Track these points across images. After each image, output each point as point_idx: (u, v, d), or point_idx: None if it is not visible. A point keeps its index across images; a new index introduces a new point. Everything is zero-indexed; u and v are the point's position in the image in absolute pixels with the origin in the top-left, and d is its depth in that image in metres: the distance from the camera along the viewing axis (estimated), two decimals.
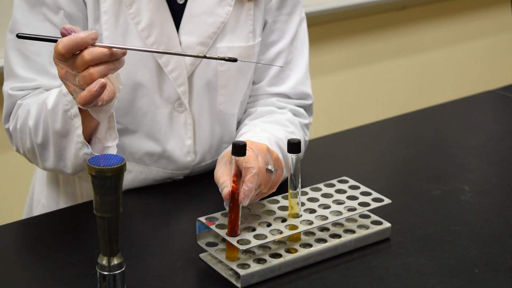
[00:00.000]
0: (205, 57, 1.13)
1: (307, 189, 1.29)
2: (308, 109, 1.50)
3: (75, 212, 1.37)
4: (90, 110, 1.17)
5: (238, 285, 1.13)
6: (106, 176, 1.00)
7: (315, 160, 1.55)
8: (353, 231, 1.24)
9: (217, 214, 1.20)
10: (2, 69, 2.05)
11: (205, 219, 1.19)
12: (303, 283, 1.15)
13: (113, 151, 1.24)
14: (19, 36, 1.12)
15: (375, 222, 1.26)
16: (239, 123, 1.49)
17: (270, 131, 1.37)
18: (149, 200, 1.39)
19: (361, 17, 2.96)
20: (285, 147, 1.37)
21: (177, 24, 1.35)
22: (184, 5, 1.35)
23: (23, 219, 1.48)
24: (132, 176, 1.41)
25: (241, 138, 1.36)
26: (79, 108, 1.20)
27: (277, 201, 1.25)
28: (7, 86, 1.34)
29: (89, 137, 1.25)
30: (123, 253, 1.07)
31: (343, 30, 2.93)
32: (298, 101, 1.48)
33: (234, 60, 1.12)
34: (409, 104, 2.96)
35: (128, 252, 1.17)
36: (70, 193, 1.46)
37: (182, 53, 1.19)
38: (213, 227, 1.17)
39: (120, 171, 1.01)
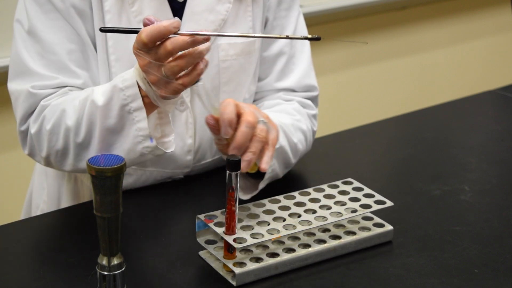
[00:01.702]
0: (287, 37, 1.13)
1: (309, 190, 1.28)
2: (314, 100, 1.52)
3: (75, 212, 1.37)
4: (160, 101, 1.18)
5: (234, 283, 1.13)
6: (106, 176, 1.00)
7: (315, 160, 1.55)
8: (354, 233, 1.24)
9: (217, 212, 1.20)
10: (4, 68, 2.06)
11: (204, 216, 1.19)
12: (303, 282, 1.15)
13: (171, 146, 1.25)
14: (102, 30, 1.14)
15: (377, 225, 1.26)
16: None
17: (275, 117, 1.38)
18: (149, 200, 1.39)
19: (361, 17, 2.96)
20: (290, 132, 1.38)
21: None
22: (184, 3, 1.35)
23: (23, 219, 1.48)
24: (133, 179, 1.41)
25: None
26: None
27: (278, 201, 1.25)
28: (26, 85, 1.29)
29: None
30: (123, 253, 1.07)
31: (343, 30, 2.93)
32: (304, 93, 1.50)
33: (318, 38, 1.11)
34: (409, 104, 2.96)
35: (128, 252, 1.17)
36: (72, 196, 1.45)
37: (263, 35, 1.19)
38: (211, 224, 1.17)
39: (120, 171, 1.01)
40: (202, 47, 1.11)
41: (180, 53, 1.11)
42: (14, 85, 1.32)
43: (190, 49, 1.10)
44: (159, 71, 1.12)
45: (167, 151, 1.25)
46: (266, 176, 1.32)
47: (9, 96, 1.35)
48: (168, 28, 1.08)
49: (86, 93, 1.27)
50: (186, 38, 1.08)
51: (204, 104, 1.17)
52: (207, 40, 1.10)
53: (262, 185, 1.32)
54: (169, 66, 1.11)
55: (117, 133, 1.23)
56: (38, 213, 1.50)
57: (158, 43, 1.10)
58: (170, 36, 1.10)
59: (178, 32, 1.09)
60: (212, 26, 1.36)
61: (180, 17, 1.35)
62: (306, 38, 1.11)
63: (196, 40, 1.09)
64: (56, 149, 1.29)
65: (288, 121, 1.39)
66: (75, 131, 1.25)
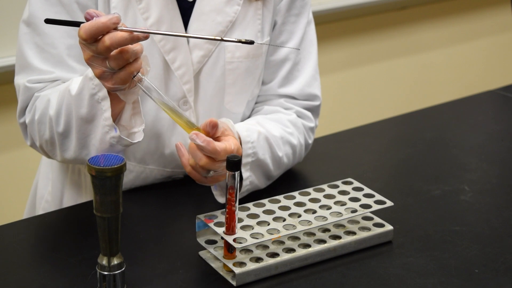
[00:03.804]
0: (222, 39, 1.13)
1: (309, 190, 1.29)
2: (315, 110, 1.50)
3: (75, 212, 1.37)
4: (119, 92, 1.17)
5: (234, 283, 1.13)
6: (106, 176, 1.00)
7: (315, 160, 1.55)
8: (354, 233, 1.24)
9: (217, 212, 1.20)
10: (4, 68, 2.06)
11: (204, 216, 1.19)
12: (303, 282, 1.15)
13: (140, 136, 1.25)
14: (46, 21, 1.14)
15: (377, 225, 1.26)
16: None
17: (265, 126, 1.37)
18: (149, 200, 1.39)
19: (361, 17, 2.96)
20: (276, 145, 1.37)
21: (185, 22, 1.35)
22: (193, 3, 1.35)
23: (23, 219, 1.48)
24: (133, 176, 1.41)
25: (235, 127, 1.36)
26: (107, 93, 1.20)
27: (278, 201, 1.25)
28: (23, 79, 1.32)
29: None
30: (123, 253, 1.07)
31: (343, 30, 2.93)
32: (305, 102, 1.48)
33: (251, 42, 1.12)
34: (409, 104, 2.96)
35: (128, 252, 1.17)
36: (75, 187, 1.46)
37: (202, 36, 1.18)
38: (211, 224, 1.17)
39: (120, 171, 1.01)
40: (134, 47, 1.11)
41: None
42: (16, 79, 1.35)
43: (128, 46, 1.10)
44: (103, 64, 1.12)
45: (133, 142, 1.25)
46: (244, 189, 1.34)
47: (9, 96, 1.36)
48: (106, 24, 1.08)
49: (67, 83, 1.28)
50: (125, 34, 1.08)
51: (154, 100, 1.16)
52: (146, 37, 1.10)
53: (240, 196, 1.33)
54: (113, 58, 1.10)
55: (90, 122, 1.23)
56: (43, 203, 1.51)
57: (100, 37, 1.09)
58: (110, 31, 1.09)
59: (118, 27, 1.08)
60: (219, 27, 1.36)
61: (189, 17, 1.35)
62: (239, 41, 1.11)
63: (135, 36, 1.09)
64: (45, 138, 1.30)
65: (278, 133, 1.39)
66: (56, 120, 1.27)
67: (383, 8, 3.02)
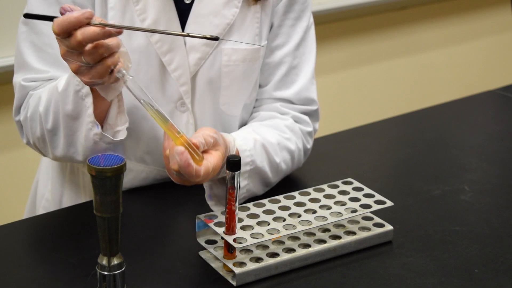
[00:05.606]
0: (188, 35, 1.12)
1: (309, 190, 1.29)
2: (313, 115, 1.48)
3: (75, 212, 1.37)
4: (99, 88, 1.18)
5: (234, 283, 1.13)
6: (106, 176, 1.00)
7: (315, 160, 1.55)
8: (354, 233, 1.24)
9: (217, 212, 1.20)
10: (4, 68, 2.07)
11: (204, 216, 1.19)
12: (303, 282, 1.15)
13: (123, 134, 1.25)
14: (25, 16, 1.14)
15: (377, 225, 1.26)
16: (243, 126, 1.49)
17: (261, 133, 1.37)
18: (149, 200, 1.39)
19: (361, 17, 2.97)
20: (273, 152, 1.37)
21: (183, 24, 1.35)
22: (190, 5, 1.35)
23: (23, 219, 1.48)
24: (133, 175, 1.41)
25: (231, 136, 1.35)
26: (91, 89, 1.20)
27: (278, 201, 1.25)
28: (19, 78, 1.33)
29: (101, 123, 1.25)
30: (123, 253, 1.07)
31: (343, 30, 2.93)
32: (302, 107, 1.46)
33: (216, 38, 1.11)
34: (409, 104, 2.96)
35: (128, 252, 1.17)
36: (74, 187, 1.46)
37: (169, 31, 1.19)
38: (211, 224, 1.17)
39: (120, 171, 1.01)
40: (110, 42, 1.10)
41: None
42: (14, 78, 1.35)
43: (102, 41, 1.10)
44: (79, 59, 1.12)
45: (115, 140, 1.25)
46: (241, 197, 1.33)
47: (9, 96, 1.36)
48: (78, 18, 1.08)
49: (58, 79, 1.28)
50: (97, 29, 1.08)
51: (135, 97, 1.16)
52: (119, 33, 1.10)
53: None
54: (88, 52, 1.10)
55: (76, 119, 1.24)
56: (43, 202, 1.51)
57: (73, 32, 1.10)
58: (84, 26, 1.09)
59: (92, 22, 1.09)
60: (217, 30, 1.35)
61: (186, 19, 1.35)
62: (205, 37, 1.11)
63: (107, 31, 1.08)
64: (36, 136, 1.31)
65: (274, 140, 1.37)
66: (44, 117, 1.27)
67: (383, 8, 3.02)
